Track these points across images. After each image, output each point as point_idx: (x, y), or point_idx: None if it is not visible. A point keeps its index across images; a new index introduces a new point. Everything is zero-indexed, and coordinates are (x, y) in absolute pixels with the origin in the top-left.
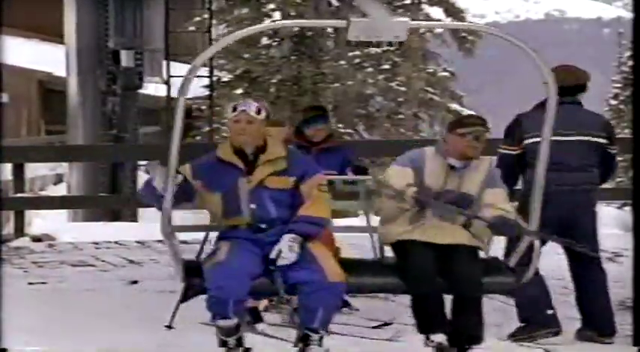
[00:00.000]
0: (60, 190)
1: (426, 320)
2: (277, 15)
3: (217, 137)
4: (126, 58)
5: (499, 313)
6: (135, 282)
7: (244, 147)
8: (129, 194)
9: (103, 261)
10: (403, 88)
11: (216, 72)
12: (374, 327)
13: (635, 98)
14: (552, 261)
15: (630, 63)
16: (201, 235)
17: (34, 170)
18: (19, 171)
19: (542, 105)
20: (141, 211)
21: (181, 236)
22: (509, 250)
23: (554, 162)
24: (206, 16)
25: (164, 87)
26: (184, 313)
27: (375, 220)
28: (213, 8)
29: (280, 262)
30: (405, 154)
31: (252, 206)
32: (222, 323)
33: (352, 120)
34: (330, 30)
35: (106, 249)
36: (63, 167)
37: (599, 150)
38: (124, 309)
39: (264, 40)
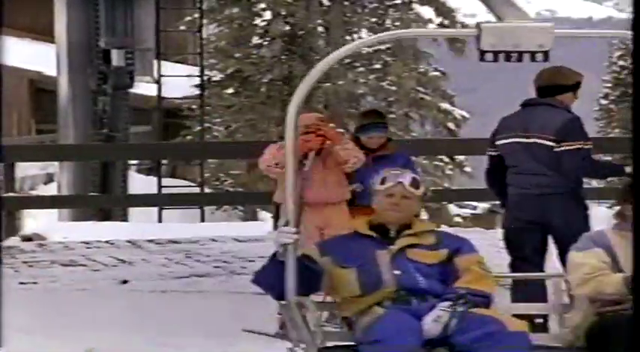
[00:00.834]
0: (50, 190)
1: None
2: (267, 14)
3: (208, 136)
4: (117, 58)
5: None
6: (125, 282)
7: (389, 224)
8: (119, 193)
9: (94, 260)
10: (394, 88)
11: (206, 71)
12: None
13: (635, 98)
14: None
15: (621, 63)
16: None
17: (24, 169)
18: (9, 171)
19: (524, 106)
20: (131, 211)
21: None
22: None
23: (517, 166)
24: (197, 15)
25: (155, 86)
26: (176, 313)
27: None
28: (203, 8)
29: (433, 331)
30: (582, 238)
31: (396, 272)
32: None
33: (343, 119)
34: (320, 29)
35: (97, 249)
36: (54, 166)
37: (549, 152)
38: (114, 309)
39: (255, 40)
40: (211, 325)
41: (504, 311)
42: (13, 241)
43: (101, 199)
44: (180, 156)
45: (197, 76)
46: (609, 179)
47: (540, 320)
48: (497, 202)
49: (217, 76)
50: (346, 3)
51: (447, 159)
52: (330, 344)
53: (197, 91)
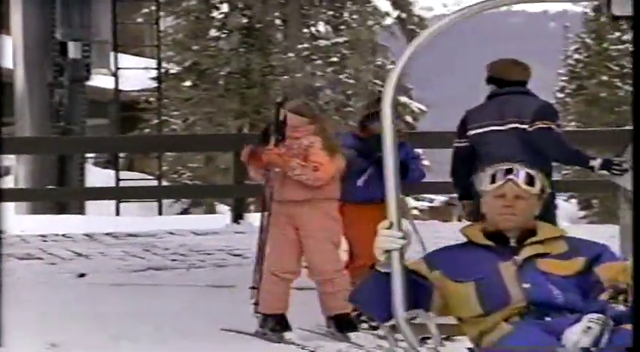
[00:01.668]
0: (7, 183)
1: None
2: (225, 7)
3: (166, 129)
4: (73, 50)
5: None
6: (83, 275)
7: (506, 231)
8: (77, 186)
9: (51, 253)
10: (352, 81)
11: (164, 64)
12: None
13: (635, 97)
14: None
15: (576, 56)
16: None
17: None
18: None
19: (490, 98)
20: (89, 204)
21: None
22: None
23: (493, 154)
24: (154, 7)
25: (112, 79)
26: (133, 306)
27: None
28: (160, 0)
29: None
30: None
31: (526, 286)
32: None
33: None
34: (278, 22)
35: (54, 242)
36: (10, 159)
37: (524, 136)
38: (72, 302)
39: (213, 32)
40: (168, 318)
41: None
42: None
43: (58, 192)
44: (138, 150)
45: (154, 68)
46: (564, 172)
47: None
48: (455, 195)
49: (175, 69)
50: None
51: None
52: None
53: (155, 84)
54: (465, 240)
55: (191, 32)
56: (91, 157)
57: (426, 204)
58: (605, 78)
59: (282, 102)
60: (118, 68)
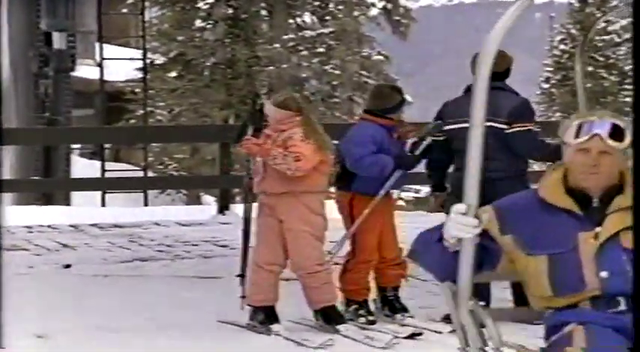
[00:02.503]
0: None
1: None
2: None
3: (152, 120)
4: (58, 40)
5: (433, 296)
6: (68, 266)
7: (589, 189)
8: (62, 177)
9: (36, 244)
10: (338, 72)
11: (149, 54)
12: None
13: (635, 97)
14: None
15: (562, 46)
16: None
17: None
18: None
19: (468, 90)
20: (74, 195)
21: (117, 219)
22: None
23: (466, 150)
24: None
25: (97, 69)
26: (118, 297)
27: None
28: None
29: None
30: None
31: (603, 274)
32: None
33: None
34: (264, 13)
35: (39, 233)
36: None
37: (501, 135)
38: (57, 293)
39: (198, 23)
40: (153, 309)
41: None
42: None
43: (44, 183)
44: (124, 140)
45: (140, 59)
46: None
47: None
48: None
49: (160, 60)
50: None
51: None
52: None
53: (140, 75)
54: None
55: (176, 23)
56: (76, 148)
57: (412, 194)
58: (590, 68)
59: (259, 93)
60: (103, 59)
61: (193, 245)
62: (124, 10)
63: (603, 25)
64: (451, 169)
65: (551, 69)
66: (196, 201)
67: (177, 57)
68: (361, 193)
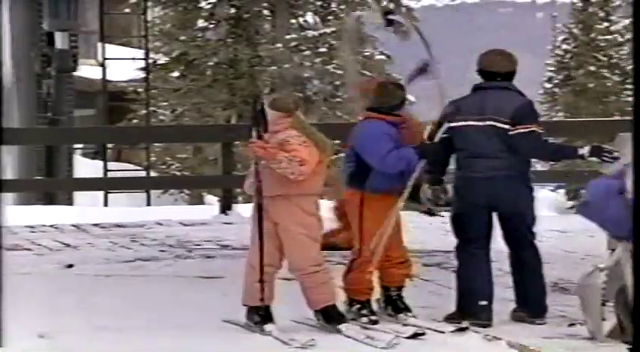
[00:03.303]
0: None
1: None
2: None
3: (154, 120)
4: (60, 40)
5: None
6: (71, 266)
7: None
8: (65, 177)
9: (39, 244)
10: (340, 72)
11: (152, 54)
12: None
13: (635, 96)
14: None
15: (564, 46)
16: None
17: None
18: None
19: (476, 90)
20: (77, 195)
21: (120, 219)
22: None
23: (472, 149)
24: None
25: (99, 69)
26: (120, 297)
27: None
28: None
29: None
30: None
31: None
32: None
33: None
34: (266, 12)
35: (42, 233)
36: None
37: (504, 135)
38: (59, 293)
39: (201, 23)
40: (156, 309)
41: None
42: None
43: (46, 183)
44: (126, 140)
45: (142, 59)
46: (551, 163)
47: None
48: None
49: (162, 59)
50: None
51: None
52: None
53: (142, 74)
54: None
55: (179, 22)
56: (78, 148)
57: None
58: (592, 68)
59: (260, 95)
60: (106, 59)
61: (196, 245)
62: (127, 10)
63: (605, 24)
64: (453, 168)
65: (553, 68)
66: (199, 200)
67: (179, 57)
68: (373, 191)
